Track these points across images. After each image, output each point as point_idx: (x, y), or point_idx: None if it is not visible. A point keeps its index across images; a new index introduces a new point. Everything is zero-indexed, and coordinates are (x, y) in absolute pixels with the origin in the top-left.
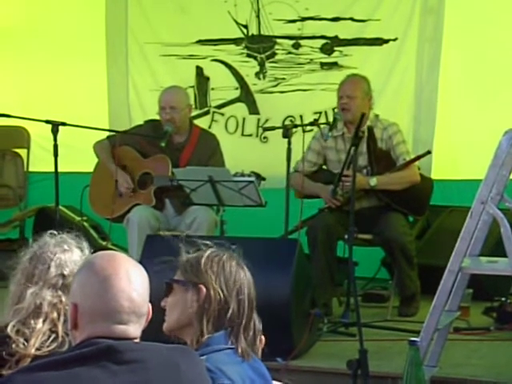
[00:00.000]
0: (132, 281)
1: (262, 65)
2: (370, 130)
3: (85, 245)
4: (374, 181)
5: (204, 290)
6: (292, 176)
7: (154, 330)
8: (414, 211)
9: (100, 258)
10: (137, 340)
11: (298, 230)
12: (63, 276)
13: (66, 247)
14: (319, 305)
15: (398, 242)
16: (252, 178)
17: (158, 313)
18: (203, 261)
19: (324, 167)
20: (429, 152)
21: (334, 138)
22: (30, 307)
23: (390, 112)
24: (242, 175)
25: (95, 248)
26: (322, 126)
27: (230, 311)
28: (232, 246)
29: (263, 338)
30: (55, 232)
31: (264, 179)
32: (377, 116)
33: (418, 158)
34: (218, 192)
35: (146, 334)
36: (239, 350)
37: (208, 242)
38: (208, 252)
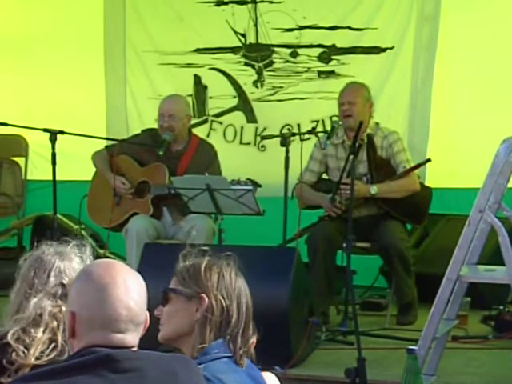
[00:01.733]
0: (130, 289)
1: (259, 73)
2: (370, 137)
3: (88, 253)
4: (374, 189)
5: (206, 299)
6: (296, 187)
7: (151, 338)
8: (413, 219)
9: (97, 266)
10: (135, 348)
11: (297, 239)
12: (62, 285)
13: (65, 256)
14: (317, 313)
15: (396, 248)
16: (250, 187)
17: (156, 321)
18: (203, 269)
19: (325, 176)
20: (428, 160)
21: (334, 145)
22: (30, 316)
23: (385, 120)
24: (238, 182)
25: (93, 257)
26: (320, 134)
27: (231, 320)
28: (227, 253)
29: (254, 340)
30: (53, 240)
31: (260, 186)
32: (377, 124)
33: (418, 166)
34: (215, 200)
35: (144, 342)
36: (237, 357)
37: (206, 249)
38: (206, 260)
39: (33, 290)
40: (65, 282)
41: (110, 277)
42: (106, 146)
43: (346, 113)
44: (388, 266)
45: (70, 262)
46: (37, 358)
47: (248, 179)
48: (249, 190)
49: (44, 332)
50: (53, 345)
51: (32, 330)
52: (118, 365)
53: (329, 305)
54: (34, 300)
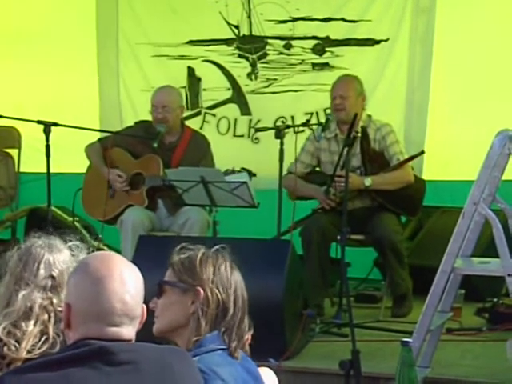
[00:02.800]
0: (125, 283)
1: (253, 65)
2: (364, 130)
3: (80, 246)
4: (368, 181)
5: (202, 292)
6: (285, 178)
7: (146, 331)
8: (407, 211)
9: (94, 258)
10: (131, 341)
11: (291, 232)
12: (52, 277)
13: (54, 248)
14: (311, 305)
15: (389, 240)
16: (244, 179)
17: (153, 314)
18: (198, 262)
19: (317, 169)
20: (422, 152)
21: (327, 139)
22: (20, 310)
23: (381, 113)
24: (233, 172)
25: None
26: (314, 126)
27: (227, 312)
28: (222, 246)
29: (250, 336)
30: (43, 233)
31: (255, 175)
32: (370, 116)
33: (412, 158)
34: (210, 193)
35: (141, 335)
36: (231, 350)
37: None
38: (200, 253)
39: (22, 283)
40: (54, 274)
41: (107, 270)
42: (99, 139)
43: (338, 107)
44: (382, 258)
45: (59, 254)
46: (28, 352)
47: (243, 168)
48: (243, 182)
49: (35, 325)
50: (44, 337)
51: (23, 324)
52: (113, 357)
53: (323, 297)
54: (23, 293)
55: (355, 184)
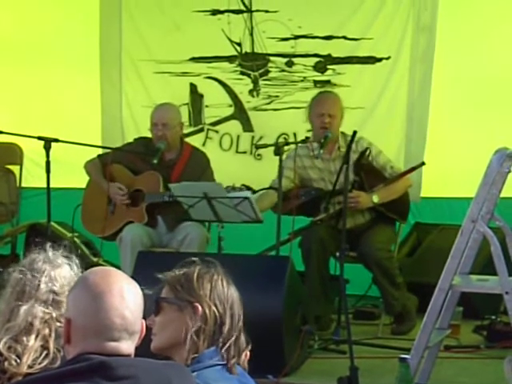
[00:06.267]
0: (125, 298)
1: (255, 82)
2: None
3: (74, 261)
4: (376, 197)
5: (200, 308)
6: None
7: (144, 347)
8: (401, 216)
9: (95, 274)
10: (131, 356)
11: (291, 241)
12: (54, 292)
13: (55, 263)
14: (311, 318)
15: (373, 257)
16: (247, 194)
17: (150, 331)
18: (195, 278)
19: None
20: (423, 163)
21: (309, 157)
22: (21, 324)
23: (381, 130)
24: (233, 189)
25: (87, 265)
26: (315, 144)
27: (225, 328)
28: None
29: (248, 352)
30: (44, 248)
31: (254, 192)
32: (343, 133)
33: (413, 169)
34: (214, 208)
35: (140, 350)
36: (229, 365)
37: (194, 259)
38: (197, 269)
39: (24, 297)
40: (56, 288)
41: (107, 285)
42: (99, 155)
43: (326, 125)
44: (373, 276)
45: (60, 268)
46: (29, 367)
47: (243, 185)
48: (245, 197)
49: (36, 339)
50: (45, 353)
51: (24, 338)
52: (112, 372)
53: (324, 310)
54: (25, 307)
55: (365, 203)
